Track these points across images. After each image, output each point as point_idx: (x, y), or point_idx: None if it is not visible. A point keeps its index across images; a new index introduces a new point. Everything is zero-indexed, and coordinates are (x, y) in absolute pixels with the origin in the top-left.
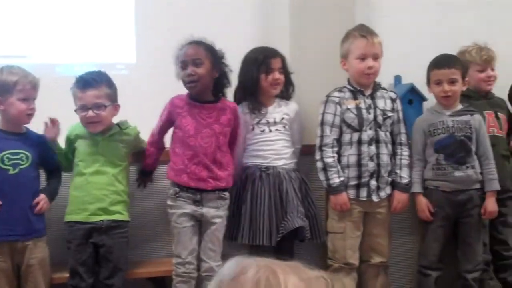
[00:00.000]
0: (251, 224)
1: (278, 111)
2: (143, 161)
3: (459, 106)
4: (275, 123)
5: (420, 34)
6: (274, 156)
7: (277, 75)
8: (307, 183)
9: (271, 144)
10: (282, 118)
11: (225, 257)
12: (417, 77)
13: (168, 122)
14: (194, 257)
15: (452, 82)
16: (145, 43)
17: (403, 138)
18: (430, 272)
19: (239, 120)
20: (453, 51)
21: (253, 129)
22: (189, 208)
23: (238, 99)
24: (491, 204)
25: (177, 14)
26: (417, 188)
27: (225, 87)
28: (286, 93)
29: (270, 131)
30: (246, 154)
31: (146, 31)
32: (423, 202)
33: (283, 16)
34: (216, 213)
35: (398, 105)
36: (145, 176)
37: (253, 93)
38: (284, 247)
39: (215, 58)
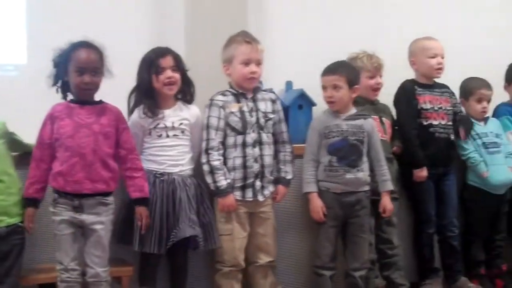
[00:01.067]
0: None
1: (177, 115)
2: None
3: (353, 110)
4: (173, 128)
5: (310, 40)
6: (170, 162)
7: (170, 73)
8: (203, 188)
9: (168, 150)
10: (181, 123)
11: (115, 261)
12: (307, 83)
13: (49, 133)
14: (77, 263)
15: (335, 88)
16: (37, 44)
17: (285, 136)
18: (324, 272)
19: (125, 124)
20: (342, 57)
21: (150, 133)
22: (67, 215)
23: (135, 102)
24: (388, 203)
25: (70, 15)
26: (312, 187)
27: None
28: (186, 94)
29: (168, 136)
30: (143, 158)
31: (38, 31)
32: (317, 202)
33: (178, 20)
34: (97, 219)
35: (278, 105)
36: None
37: (148, 95)
38: (177, 254)
39: (105, 63)
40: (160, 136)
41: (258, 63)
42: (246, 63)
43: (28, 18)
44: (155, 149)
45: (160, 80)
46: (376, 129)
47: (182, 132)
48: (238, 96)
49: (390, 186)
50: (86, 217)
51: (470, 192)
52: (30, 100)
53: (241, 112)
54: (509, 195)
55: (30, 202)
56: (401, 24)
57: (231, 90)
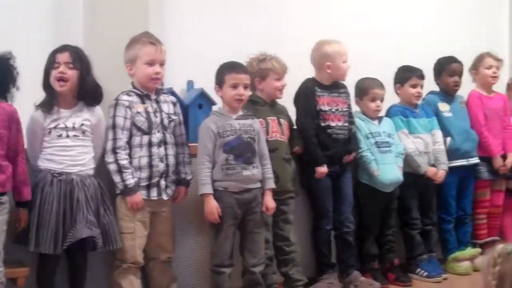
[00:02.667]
0: (37, 230)
1: (78, 116)
2: None
3: (241, 112)
4: (73, 128)
5: (211, 40)
6: (69, 162)
7: (62, 68)
8: (103, 188)
9: (67, 150)
10: (82, 124)
11: (11, 262)
12: (207, 83)
13: None
14: None
15: (246, 87)
16: None
17: (184, 138)
18: (223, 269)
19: (18, 125)
20: (242, 57)
21: (50, 132)
22: None
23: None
24: (270, 201)
25: None
26: (207, 189)
27: (7, 91)
28: (88, 95)
29: (68, 136)
30: (42, 157)
31: None
32: (213, 204)
33: (77, 20)
34: None
35: (178, 108)
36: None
37: (47, 91)
38: (76, 254)
39: None
40: (60, 136)
41: (162, 64)
42: (150, 63)
43: None
44: (54, 148)
45: (53, 75)
46: (261, 129)
47: (83, 133)
48: (143, 97)
49: (272, 184)
50: None
51: (362, 189)
52: None
53: (147, 112)
54: (398, 192)
55: None
56: (298, 24)
57: (135, 90)
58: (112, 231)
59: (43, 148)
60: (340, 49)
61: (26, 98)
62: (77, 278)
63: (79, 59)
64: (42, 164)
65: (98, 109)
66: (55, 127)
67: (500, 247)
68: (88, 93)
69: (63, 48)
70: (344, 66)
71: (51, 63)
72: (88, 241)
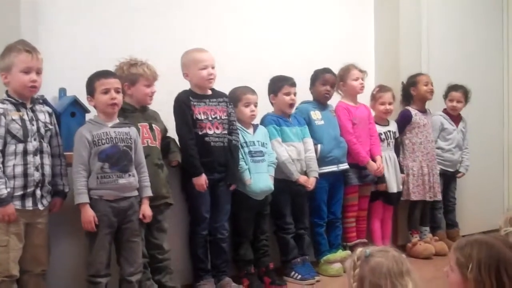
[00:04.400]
0: None
1: None
2: None
3: (117, 120)
4: None
5: (83, 47)
6: None
7: None
8: None
9: None
10: None
11: None
12: (80, 90)
13: None
14: None
15: (118, 91)
16: None
17: (61, 149)
18: (99, 279)
19: None
20: (115, 63)
21: None
22: None
23: None
24: (147, 209)
25: None
26: (83, 198)
27: None
28: None
29: None
30: None
31: None
32: (90, 213)
33: None
34: None
35: (54, 119)
36: None
37: None
38: None
39: None
40: None
41: (39, 72)
42: (27, 71)
43: None
44: None
45: None
46: (139, 137)
47: None
48: (18, 105)
49: (149, 192)
50: None
51: (236, 196)
52: None
53: (22, 120)
54: (270, 198)
55: None
56: (183, 33)
57: (9, 99)
58: None
59: None
60: (196, 56)
61: None
62: None
63: None
64: None
65: None
66: None
67: (359, 250)
68: None
69: None
70: (200, 73)
71: None
72: None
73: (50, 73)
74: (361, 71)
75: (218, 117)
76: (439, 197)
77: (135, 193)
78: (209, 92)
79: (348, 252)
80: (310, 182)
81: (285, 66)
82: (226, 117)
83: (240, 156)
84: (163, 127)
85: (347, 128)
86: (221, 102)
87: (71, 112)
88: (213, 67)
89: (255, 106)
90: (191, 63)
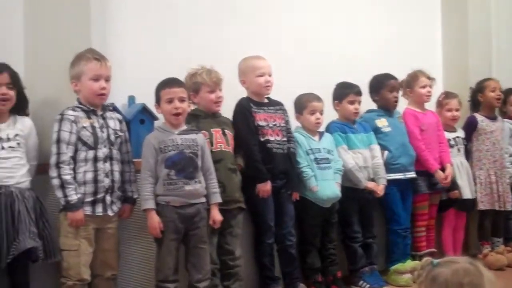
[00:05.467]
0: None
1: (11, 128)
2: None
3: (185, 126)
4: (8, 139)
5: (152, 55)
6: (6, 174)
7: (4, 90)
8: (42, 202)
9: (3, 162)
10: (16, 135)
11: None
12: (148, 98)
13: None
14: None
15: (182, 100)
16: None
17: (130, 156)
18: (167, 285)
19: None
20: (184, 71)
21: None
22: None
23: None
24: (217, 214)
25: None
26: (150, 204)
27: None
28: (20, 109)
29: (3, 148)
30: None
31: None
32: (155, 219)
33: (18, 36)
34: None
35: (124, 126)
36: None
37: None
38: (18, 270)
39: None
40: None
41: (107, 79)
42: (96, 79)
43: None
44: None
45: None
46: (206, 143)
47: (18, 144)
48: (89, 112)
49: (219, 198)
50: None
51: (302, 204)
52: None
53: (93, 127)
54: (337, 206)
55: None
56: (242, 40)
57: (80, 106)
58: (52, 244)
59: None
60: (254, 64)
61: None
62: None
63: (17, 79)
64: None
65: (28, 121)
66: None
67: (425, 260)
68: (22, 107)
69: (1, 70)
70: (258, 80)
71: None
72: (31, 252)
73: (119, 81)
74: (429, 78)
75: (278, 124)
76: (509, 207)
77: (202, 199)
78: (266, 100)
79: (417, 262)
80: (379, 189)
81: (345, 72)
82: (284, 125)
83: (306, 163)
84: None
85: (415, 135)
86: (278, 110)
87: (140, 119)
88: (270, 75)
89: (321, 113)
90: (249, 70)
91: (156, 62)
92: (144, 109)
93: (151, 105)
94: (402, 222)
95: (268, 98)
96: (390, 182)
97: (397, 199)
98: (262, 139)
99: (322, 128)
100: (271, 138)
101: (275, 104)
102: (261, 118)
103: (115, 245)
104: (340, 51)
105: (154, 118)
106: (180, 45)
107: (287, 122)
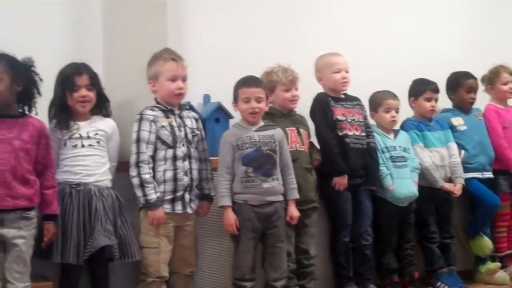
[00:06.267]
0: (62, 242)
1: (92, 126)
2: None
3: (262, 122)
4: (88, 138)
5: (228, 53)
6: (86, 172)
7: (84, 92)
8: (121, 201)
9: (83, 160)
10: (96, 134)
11: (35, 277)
12: (224, 97)
13: None
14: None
15: (259, 100)
16: None
17: (207, 154)
18: (244, 283)
19: (47, 140)
20: (259, 70)
21: (65, 144)
22: None
23: (52, 115)
24: (294, 210)
25: None
26: (226, 201)
27: (32, 98)
28: (102, 109)
29: (83, 146)
30: (58, 170)
31: None
32: (231, 216)
33: (96, 36)
34: (18, 233)
35: (200, 124)
36: None
37: (62, 109)
38: (98, 266)
39: (16, 71)
40: (75, 146)
41: (184, 79)
42: (173, 79)
43: None
44: (70, 159)
45: (74, 98)
46: (285, 139)
47: (98, 142)
48: (166, 111)
49: (296, 194)
50: (7, 231)
51: (378, 203)
52: None
53: (171, 126)
54: (414, 205)
55: None
56: (317, 36)
57: (158, 105)
58: (130, 244)
59: (60, 161)
60: (330, 60)
61: (45, 110)
62: None
63: (96, 79)
64: (60, 177)
65: (111, 121)
66: (70, 138)
67: None
68: (103, 107)
69: (81, 71)
70: (334, 76)
71: (70, 86)
72: (107, 250)
73: (195, 79)
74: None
75: (356, 119)
76: None
77: (280, 198)
78: (342, 96)
79: (498, 264)
80: (456, 189)
81: (421, 68)
82: (363, 120)
83: (381, 161)
84: (309, 131)
85: (498, 132)
86: (356, 105)
87: (215, 118)
88: (347, 71)
89: (396, 112)
90: (325, 67)
91: (231, 61)
92: (220, 108)
93: (226, 103)
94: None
95: (345, 94)
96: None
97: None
98: (340, 134)
99: (396, 126)
100: (349, 133)
101: (353, 99)
102: (340, 113)
103: (193, 242)
104: (417, 47)
105: (230, 116)
106: (255, 43)
107: (365, 117)
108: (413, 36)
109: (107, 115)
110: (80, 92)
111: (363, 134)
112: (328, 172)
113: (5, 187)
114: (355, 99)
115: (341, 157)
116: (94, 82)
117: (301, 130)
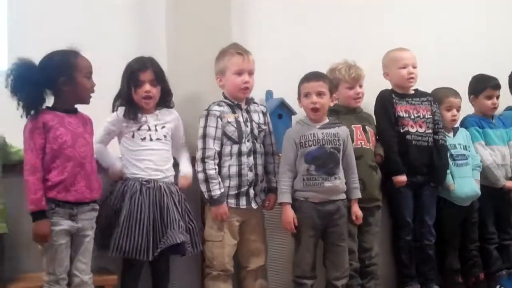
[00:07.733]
0: (127, 237)
1: (159, 119)
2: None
3: (327, 120)
4: (156, 130)
5: (291, 49)
6: (153, 167)
7: (148, 87)
8: (183, 196)
9: (151, 155)
10: (163, 127)
11: (99, 270)
12: (287, 92)
13: (43, 142)
14: (67, 272)
15: (320, 94)
16: (18, 51)
17: (274, 148)
18: (305, 281)
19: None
20: (323, 65)
21: (133, 136)
22: (66, 224)
23: (118, 104)
24: (358, 209)
25: (51, 23)
26: (286, 198)
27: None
28: (166, 103)
29: (151, 139)
30: (125, 163)
31: (19, 38)
32: (290, 213)
33: (161, 31)
34: (90, 225)
35: (268, 118)
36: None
37: (128, 103)
38: (160, 260)
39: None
40: (144, 139)
41: (251, 73)
42: (239, 73)
43: (9, 25)
44: (138, 152)
45: (138, 93)
46: (349, 137)
47: (165, 136)
48: (233, 106)
49: (359, 194)
50: (81, 225)
51: (440, 203)
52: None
53: (237, 122)
54: (478, 205)
55: (43, 214)
56: (382, 32)
57: (226, 100)
58: (198, 237)
59: (125, 152)
60: (396, 55)
61: (109, 106)
62: (161, 284)
63: (160, 74)
64: (128, 171)
65: (175, 113)
66: (138, 129)
67: None
68: (167, 100)
69: (146, 66)
70: (400, 72)
71: (134, 81)
72: (179, 247)
73: (258, 75)
74: None
75: (422, 116)
76: None
77: (342, 196)
78: (411, 91)
79: None
80: None
81: (489, 64)
82: (431, 116)
83: None
84: (375, 129)
85: None
86: (424, 101)
87: (278, 114)
88: (414, 66)
89: (458, 110)
90: (391, 62)
91: (294, 57)
92: (283, 104)
93: (288, 99)
94: None
95: (415, 89)
96: None
97: None
98: (401, 130)
99: (456, 123)
100: (412, 130)
101: (422, 95)
102: (402, 109)
103: (260, 236)
104: (480, 41)
105: (292, 113)
106: (319, 39)
107: (434, 113)
108: (477, 30)
109: (169, 106)
110: (144, 88)
111: (429, 131)
112: (387, 170)
113: (85, 180)
114: (425, 95)
115: (398, 156)
116: (159, 78)
117: (367, 127)
